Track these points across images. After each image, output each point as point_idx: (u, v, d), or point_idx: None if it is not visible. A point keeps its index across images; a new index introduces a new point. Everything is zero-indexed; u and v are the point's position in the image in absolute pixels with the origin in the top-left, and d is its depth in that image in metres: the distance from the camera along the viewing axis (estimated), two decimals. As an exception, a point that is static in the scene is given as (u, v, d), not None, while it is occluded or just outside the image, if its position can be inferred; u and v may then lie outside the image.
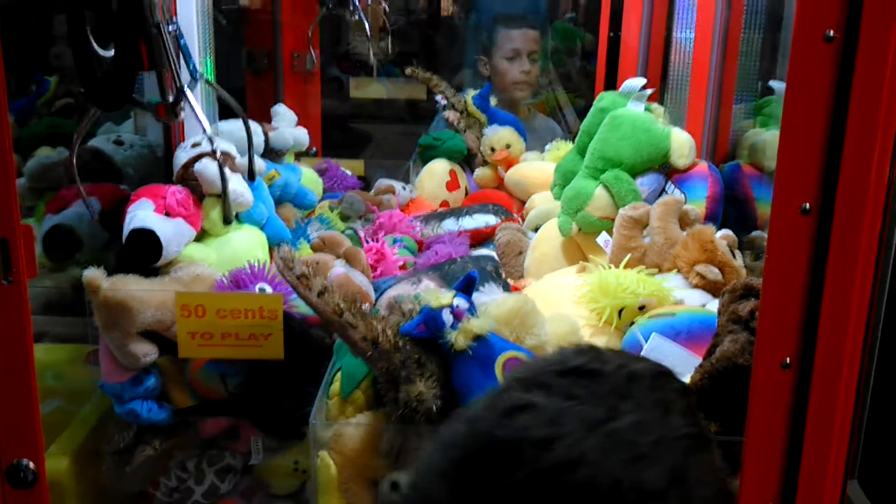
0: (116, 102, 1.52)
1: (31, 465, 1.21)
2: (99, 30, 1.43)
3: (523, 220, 2.37)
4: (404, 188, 2.51)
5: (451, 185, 2.61)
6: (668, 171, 1.93)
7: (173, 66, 1.50)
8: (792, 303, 1.08)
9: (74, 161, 1.62)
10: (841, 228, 1.04)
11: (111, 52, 1.43)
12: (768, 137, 1.94)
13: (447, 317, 1.27)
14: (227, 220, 1.79)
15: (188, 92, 1.52)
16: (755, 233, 1.85)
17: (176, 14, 1.77)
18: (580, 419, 0.76)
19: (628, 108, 1.95)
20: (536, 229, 2.19)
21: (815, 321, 1.08)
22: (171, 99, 1.51)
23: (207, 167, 1.79)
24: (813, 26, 1.00)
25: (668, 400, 0.82)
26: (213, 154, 1.73)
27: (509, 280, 1.95)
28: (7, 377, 1.20)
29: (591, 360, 0.84)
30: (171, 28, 1.49)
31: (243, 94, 2.96)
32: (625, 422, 0.77)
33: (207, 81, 1.68)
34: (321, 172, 2.50)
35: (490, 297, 1.51)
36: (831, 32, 1.00)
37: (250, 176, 1.79)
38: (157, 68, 1.48)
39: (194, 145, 1.89)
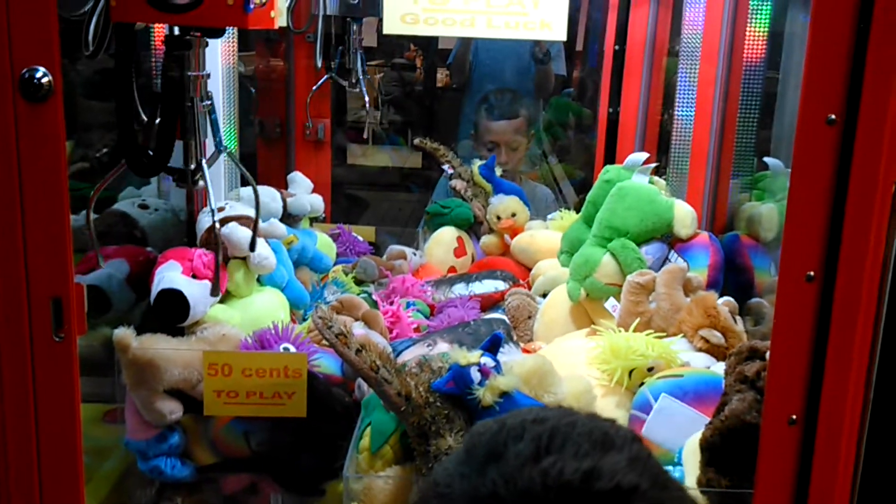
0: (154, 171, 1.62)
1: (71, 518, 1.26)
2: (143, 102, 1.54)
3: (529, 286, 2.45)
4: (415, 254, 2.59)
5: (459, 251, 2.69)
6: (670, 240, 2.02)
7: (199, 139, 1.60)
8: (798, 363, 1.17)
9: (91, 221, 1.68)
10: (843, 294, 1.13)
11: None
12: (764, 210, 2.04)
13: (475, 374, 1.34)
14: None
15: (205, 166, 1.61)
16: (754, 300, 1.93)
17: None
18: None
19: (633, 181, 2.04)
20: (544, 295, 2.26)
21: (819, 380, 1.17)
22: (192, 167, 1.61)
23: (234, 231, 1.88)
24: (816, 111, 1.11)
25: None
26: (241, 219, 1.81)
27: (520, 343, 2.02)
28: (54, 430, 1.25)
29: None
30: (205, 103, 1.60)
31: (254, 160, 3.06)
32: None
33: (228, 154, 1.78)
34: (334, 238, 2.58)
35: (509, 358, 1.59)
36: (833, 116, 1.10)
37: (251, 246, 1.86)
38: (185, 139, 1.58)
39: (219, 210, 1.97)
